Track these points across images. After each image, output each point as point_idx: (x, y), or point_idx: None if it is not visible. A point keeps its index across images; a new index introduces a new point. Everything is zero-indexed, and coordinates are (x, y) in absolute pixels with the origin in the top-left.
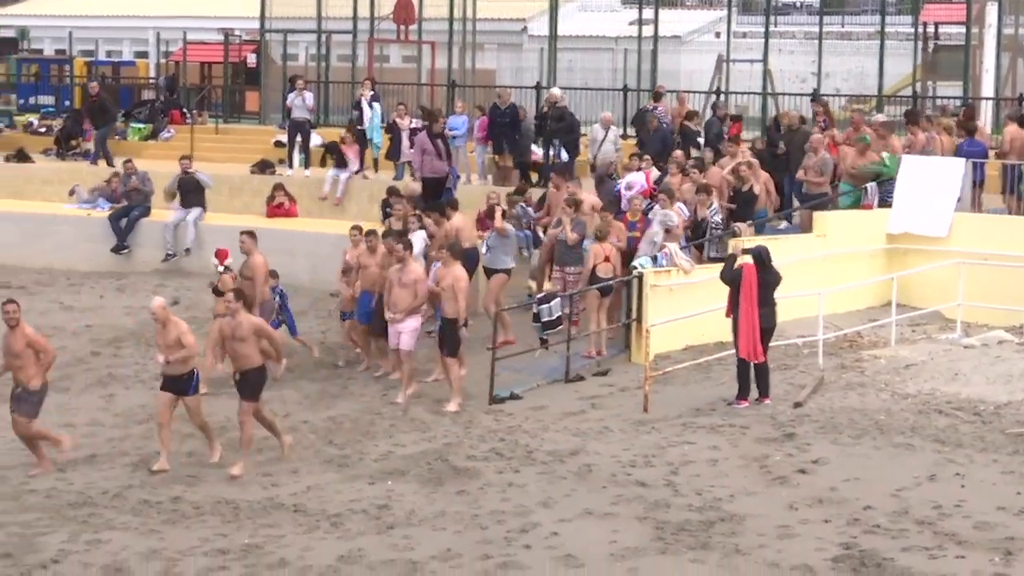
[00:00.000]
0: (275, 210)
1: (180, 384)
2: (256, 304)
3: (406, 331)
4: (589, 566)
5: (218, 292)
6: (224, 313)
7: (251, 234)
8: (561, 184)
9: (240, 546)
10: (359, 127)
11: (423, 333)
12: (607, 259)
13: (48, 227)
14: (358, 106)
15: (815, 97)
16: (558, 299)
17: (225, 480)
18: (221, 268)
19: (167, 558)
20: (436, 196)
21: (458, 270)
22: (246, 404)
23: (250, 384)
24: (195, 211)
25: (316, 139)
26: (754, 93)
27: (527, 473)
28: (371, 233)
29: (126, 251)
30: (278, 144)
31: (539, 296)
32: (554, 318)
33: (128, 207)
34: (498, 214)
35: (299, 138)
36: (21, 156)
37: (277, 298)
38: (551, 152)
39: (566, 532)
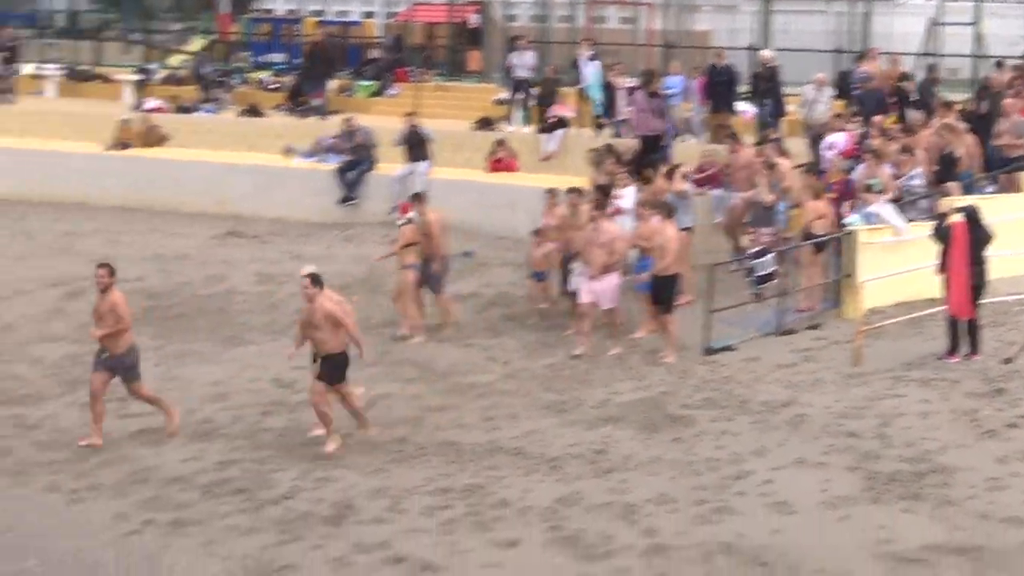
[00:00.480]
0: (496, 165)
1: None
2: (437, 259)
3: (606, 289)
4: (802, 513)
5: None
6: (409, 264)
7: (418, 196)
8: (739, 147)
9: (463, 486)
10: (577, 85)
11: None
12: (821, 216)
13: (278, 179)
14: (575, 65)
15: (1001, 63)
16: (771, 255)
17: (449, 422)
18: (402, 221)
19: (392, 496)
20: (652, 154)
21: (668, 228)
22: (318, 385)
23: (328, 368)
24: (422, 164)
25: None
26: (964, 56)
27: (741, 422)
28: (573, 191)
29: (354, 202)
30: (499, 102)
31: (753, 251)
32: (768, 272)
33: (354, 161)
34: (677, 175)
35: (520, 96)
36: (253, 111)
37: None
38: (760, 111)
39: (779, 480)
